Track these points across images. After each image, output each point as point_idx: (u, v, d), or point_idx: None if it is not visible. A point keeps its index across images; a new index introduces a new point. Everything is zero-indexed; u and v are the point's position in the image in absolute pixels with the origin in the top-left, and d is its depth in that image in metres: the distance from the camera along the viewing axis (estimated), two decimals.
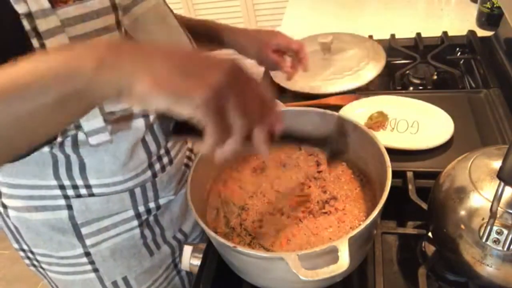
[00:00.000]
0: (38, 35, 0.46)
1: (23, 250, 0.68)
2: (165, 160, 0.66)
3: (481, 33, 1.10)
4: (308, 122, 0.69)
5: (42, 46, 0.46)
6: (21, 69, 0.35)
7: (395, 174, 0.55)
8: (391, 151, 0.58)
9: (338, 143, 0.56)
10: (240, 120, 0.37)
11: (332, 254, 0.45)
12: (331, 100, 0.93)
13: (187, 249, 0.65)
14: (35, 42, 0.46)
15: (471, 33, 1.09)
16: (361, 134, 0.62)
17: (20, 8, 0.44)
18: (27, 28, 0.45)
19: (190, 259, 0.65)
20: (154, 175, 0.64)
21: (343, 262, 0.44)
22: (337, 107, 0.87)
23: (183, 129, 0.39)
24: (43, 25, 0.46)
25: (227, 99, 0.36)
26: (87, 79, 0.34)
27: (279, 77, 1.03)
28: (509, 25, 0.89)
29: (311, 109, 0.69)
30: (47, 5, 0.46)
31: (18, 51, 0.43)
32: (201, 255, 0.65)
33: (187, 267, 0.65)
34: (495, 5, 1.08)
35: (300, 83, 0.98)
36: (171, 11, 0.66)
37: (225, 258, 0.59)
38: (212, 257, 0.65)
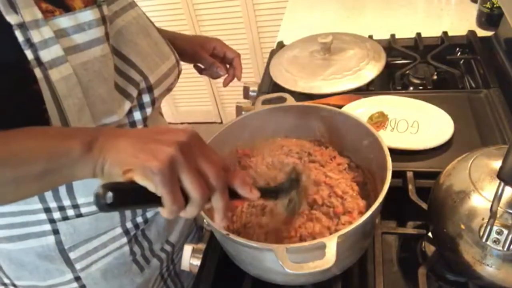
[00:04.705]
0: (32, 46, 0.45)
1: (4, 284, 0.64)
2: None
3: (481, 33, 1.10)
4: (314, 119, 0.70)
5: (37, 59, 0.45)
6: (18, 140, 0.40)
7: (395, 174, 0.55)
8: (391, 151, 0.58)
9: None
10: (195, 188, 0.39)
11: (321, 250, 0.46)
12: (331, 100, 0.92)
13: (187, 249, 0.65)
14: (29, 54, 0.45)
15: (471, 33, 1.09)
16: (365, 133, 0.63)
17: (12, 19, 0.43)
18: (20, 40, 0.44)
19: (190, 259, 0.65)
20: None
21: (329, 258, 0.45)
22: (337, 107, 0.87)
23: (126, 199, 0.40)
24: (36, 36, 0.45)
25: (181, 169, 0.39)
26: (73, 161, 0.40)
27: (279, 77, 1.03)
28: (509, 25, 0.89)
29: (316, 105, 0.70)
30: (39, 15, 0.45)
31: (12, 62, 0.44)
32: (201, 255, 0.65)
33: (187, 267, 0.65)
34: (495, 5, 1.08)
35: (300, 83, 0.98)
36: (152, 22, 0.65)
37: (222, 245, 0.60)
38: (212, 257, 0.65)
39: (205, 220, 0.54)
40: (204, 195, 0.40)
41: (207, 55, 0.84)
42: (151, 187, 0.38)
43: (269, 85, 1.05)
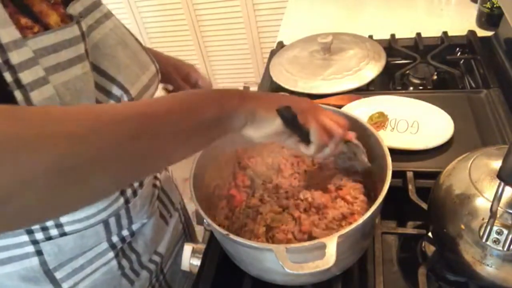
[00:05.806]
0: (11, 68, 0.42)
1: None
2: (136, 183, 0.62)
3: (481, 33, 1.10)
4: None
5: (16, 81, 0.43)
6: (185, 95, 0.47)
7: (395, 174, 0.55)
8: (391, 151, 0.58)
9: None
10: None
11: (320, 250, 0.46)
12: (331, 100, 0.93)
13: (187, 249, 0.65)
14: (8, 76, 0.42)
15: (471, 33, 1.09)
16: (366, 133, 0.63)
17: None
18: None
19: (190, 259, 0.65)
20: (127, 201, 0.61)
21: (329, 259, 0.45)
22: (337, 107, 0.87)
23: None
24: (15, 57, 0.42)
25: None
26: (230, 113, 0.47)
27: (279, 77, 1.03)
28: (509, 25, 0.89)
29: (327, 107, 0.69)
30: (18, 35, 0.43)
31: None
32: (201, 255, 0.65)
33: (187, 267, 0.65)
34: (495, 5, 1.08)
35: (300, 83, 0.98)
36: (129, 31, 0.63)
37: (222, 245, 0.60)
38: (212, 257, 0.65)
39: (205, 220, 0.54)
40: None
41: (179, 79, 0.83)
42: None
43: (269, 85, 1.05)
